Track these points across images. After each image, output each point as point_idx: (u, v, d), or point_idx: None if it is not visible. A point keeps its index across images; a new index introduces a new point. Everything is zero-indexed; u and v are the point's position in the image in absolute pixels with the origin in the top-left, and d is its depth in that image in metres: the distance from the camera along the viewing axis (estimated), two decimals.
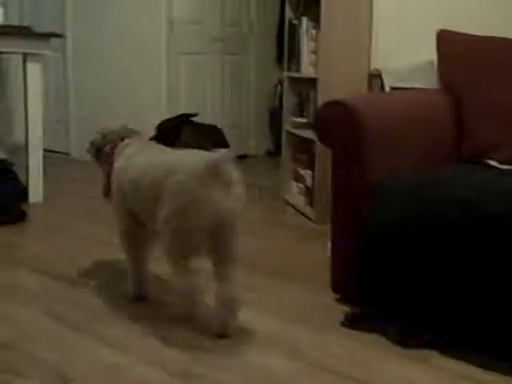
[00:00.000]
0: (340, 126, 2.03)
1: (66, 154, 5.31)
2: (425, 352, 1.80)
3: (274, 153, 5.37)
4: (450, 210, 1.80)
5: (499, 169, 2.28)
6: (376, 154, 2.06)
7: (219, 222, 1.76)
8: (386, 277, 1.98)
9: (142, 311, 2.08)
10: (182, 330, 1.93)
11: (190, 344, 1.85)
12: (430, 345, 1.82)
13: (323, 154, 3.08)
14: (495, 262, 1.71)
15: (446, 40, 2.63)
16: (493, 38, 2.55)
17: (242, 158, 5.28)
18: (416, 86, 2.87)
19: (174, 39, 4.71)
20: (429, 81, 2.84)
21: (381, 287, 1.98)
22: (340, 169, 2.07)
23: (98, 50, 4.95)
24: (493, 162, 2.36)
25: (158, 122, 4.34)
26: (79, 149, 5.14)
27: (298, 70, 3.52)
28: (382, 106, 2.24)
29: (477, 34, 2.57)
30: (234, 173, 1.78)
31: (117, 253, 2.30)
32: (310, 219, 3.32)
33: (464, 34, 2.60)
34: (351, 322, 1.98)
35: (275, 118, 5.27)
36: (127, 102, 4.78)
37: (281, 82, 5.10)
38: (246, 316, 1.98)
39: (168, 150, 2.05)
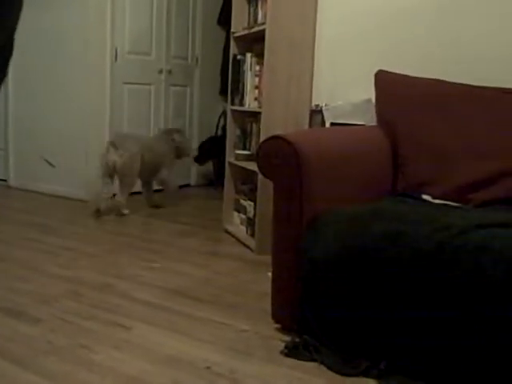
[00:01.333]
0: (281, 160, 2.09)
1: (4, 180, 5.21)
2: (363, 380, 1.86)
3: (215, 183, 5.42)
4: (382, 243, 1.87)
5: (434, 203, 2.39)
6: (316, 187, 2.12)
7: None
8: (324, 307, 2.03)
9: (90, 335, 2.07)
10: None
11: None
12: (366, 373, 1.88)
13: (265, 186, 3.14)
14: (426, 293, 1.79)
15: (383, 80, 2.76)
16: (427, 79, 2.67)
17: (184, 187, 5.31)
18: (355, 122, 2.98)
19: (119, 68, 4.73)
20: (367, 118, 2.95)
21: (320, 317, 2.03)
22: (280, 202, 2.13)
23: (39, 78, 4.90)
24: (426, 197, 2.47)
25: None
26: (18, 177, 5.07)
27: (241, 104, 3.60)
28: (321, 141, 2.32)
29: (413, 75, 2.70)
30: None
31: (61, 283, 2.28)
32: (251, 250, 3.36)
33: (401, 74, 2.73)
34: (291, 351, 2.02)
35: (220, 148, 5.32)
36: (68, 130, 4.73)
37: (224, 114, 5.19)
38: (184, 346, 2.00)
39: None
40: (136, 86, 4.91)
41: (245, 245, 3.47)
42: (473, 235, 1.83)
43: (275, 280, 2.21)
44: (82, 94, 4.64)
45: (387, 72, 2.75)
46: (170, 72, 5.20)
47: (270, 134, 2.83)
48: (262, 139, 3.12)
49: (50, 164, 4.72)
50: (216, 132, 5.61)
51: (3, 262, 2.98)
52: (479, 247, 1.77)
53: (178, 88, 5.34)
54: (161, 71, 5.11)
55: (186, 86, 5.44)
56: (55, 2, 4.73)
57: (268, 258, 2.36)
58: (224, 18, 5.43)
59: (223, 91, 5.35)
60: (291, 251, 2.12)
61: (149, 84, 5.03)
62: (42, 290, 2.57)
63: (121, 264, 3.02)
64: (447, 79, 2.64)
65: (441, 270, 1.78)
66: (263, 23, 3.31)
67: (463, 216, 2.06)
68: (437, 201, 2.42)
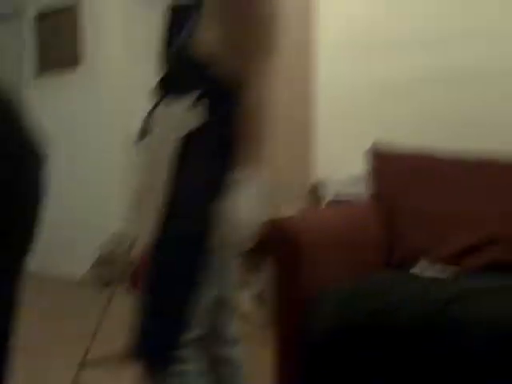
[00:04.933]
0: (280, 242, 2.23)
1: None
2: None
3: None
4: (375, 319, 1.96)
5: (424, 276, 2.43)
6: (314, 266, 2.25)
7: None
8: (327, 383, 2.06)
9: None
10: None
11: None
12: None
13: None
14: (413, 368, 1.84)
15: (376, 154, 2.87)
16: (420, 151, 2.78)
17: None
18: (353, 195, 3.04)
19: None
20: (366, 191, 3.02)
21: None
22: (279, 282, 2.24)
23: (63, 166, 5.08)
24: (422, 264, 2.49)
25: None
26: None
27: None
28: (318, 219, 2.48)
29: (409, 145, 2.82)
30: None
31: None
32: (257, 325, 3.37)
33: (394, 147, 2.83)
34: None
35: None
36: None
37: None
38: None
39: None
40: None
41: (251, 321, 3.48)
42: (456, 308, 1.92)
43: (278, 357, 2.27)
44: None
45: (380, 146, 2.87)
46: None
47: (272, 211, 2.92)
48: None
49: None
50: None
51: None
52: (463, 321, 1.87)
53: None
54: None
55: None
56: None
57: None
58: None
59: None
60: (293, 329, 2.21)
61: None
62: None
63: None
64: (440, 149, 2.75)
65: (427, 346, 1.89)
66: None
67: (450, 287, 2.16)
68: (429, 270, 2.48)
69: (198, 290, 1.44)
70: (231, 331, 1.70)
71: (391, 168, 2.80)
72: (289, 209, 3.16)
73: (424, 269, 2.48)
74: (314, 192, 3.27)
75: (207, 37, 1.33)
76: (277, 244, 2.24)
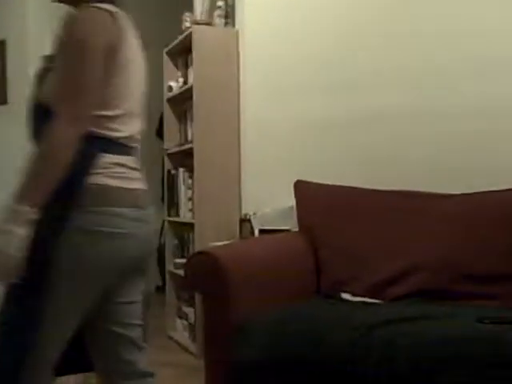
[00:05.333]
0: (206, 274, 2.28)
1: None
2: None
3: (163, 288, 5.53)
4: (301, 345, 2.05)
5: (351, 302, 2.60)
6: (241, 296, 2.29)
7: None
8: None
9: None
10: None
11: None
12: None
13: None
14: None
15: (301, 189, 3.02)
16: (342, 187, 2.94)
17: None
18: (281, 228, 3.21)
19: None
20: (292, 223, 3.19)
21: None
22: (209, 312, 2.30)
23: None
24: (346, 296, 2.67)
25: None
26: None
27: (177, 215, 3.82)
28: (245, 252, 2.52)
29: (331, 182, 2.96)
30: None
31: None
32: (193, 355, 3.48)
33: (317, 183, 2.99)
34: None
35: (162, 255, 5.48)
36: None
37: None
38: None
39: None
40: None
41: (188, 350, 3.59)
42: (380, 332, 2.01)
43: None
44: None
45: (304, 181, 3.01)
46: None
47: (204, 243, 3.05)
48: (196, 248, 3.33)
49: None
50: (160, 238, 5.78)
51: None
52: (385, 344, 1.95)
53: None
54: None
55: None
56: None
57: None
58: (162, 131, 5.75)
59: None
60: (220, 357, 2.27)
61: None
62: None
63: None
64: (360, 186, 2.92)
65: (353, 368, 1.94)
66: (192, 141, 3.59)
67: (375, 313, 2.24)
68: (355, 299, 2.63)
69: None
70: (142, 366, 1.75)
71: (315, 201, 2.92)
72: (219, 242, 3.31)
73: (350, 297, 2.57)
74: (244, 225, 3.43)
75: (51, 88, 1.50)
76: (204, 275, 2.28)
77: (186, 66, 3.90)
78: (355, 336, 2.00)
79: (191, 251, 3.74)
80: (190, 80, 3.72)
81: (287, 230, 3.15)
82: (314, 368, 2.01)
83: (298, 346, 2.06)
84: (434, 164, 2.96)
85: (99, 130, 1.52)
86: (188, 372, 3.21)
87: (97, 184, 1.49)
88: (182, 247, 3.91)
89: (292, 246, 2.83)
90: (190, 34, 3.57)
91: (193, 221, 3.55)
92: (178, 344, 3.76)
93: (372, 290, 2.64)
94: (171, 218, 3.91)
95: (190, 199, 3.68)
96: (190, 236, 3.76)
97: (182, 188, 3.76)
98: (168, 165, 3.99)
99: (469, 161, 2.84)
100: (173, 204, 3.88)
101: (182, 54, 3.94)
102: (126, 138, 1.59)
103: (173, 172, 3.89)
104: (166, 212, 4.01)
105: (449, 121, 2.90)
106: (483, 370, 1.73)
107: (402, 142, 3.06)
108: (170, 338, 3.89)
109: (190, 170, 3.66)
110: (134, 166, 1.64)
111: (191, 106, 3.65)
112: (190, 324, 3.70)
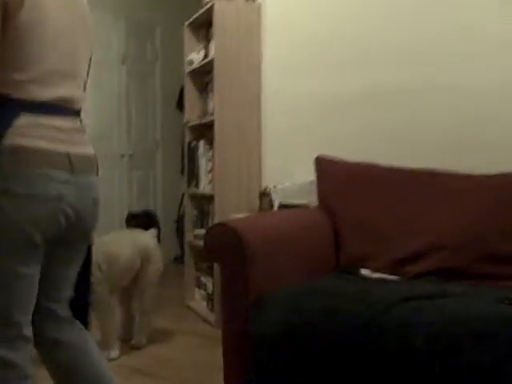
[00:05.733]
0: (225, 245, 2.30)
1: None
2: None
3: (181, 259, 5.60)
4: (319, 319, 2.07)
5: (370, 278, 2.61)
6: (259, 269, 2.31)
7: None
8: (272, 382, 2.21)
9: None
10: None
11: None
12: None
13: None
14: (360, 367, 1.97)
15: (322, 164, 3.01)
16: (362, 163, 2.93)
17: None
18: (301, 202, 3.22)
19: None
20: (312, 198, 3.20)
21: None
22: (226, 283, 2.33)
23: None
24: (365, 272, 2.69)
25: None
26: None
27: (197, 187, 3.85)
28: (264, 225, 2.53)
29: (351, 159, 2.95)
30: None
31: None
32: (211, 324, 3.53)
33: (338, 159, 2.99)
34: None
35: (181, 227, 5.54)
36: None
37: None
38: None
39: None
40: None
41: (206, 320, 3.64)
42: (398, 309, 2.02)
43: (225, 356, 2.37)
44: None
45: (325, 157, 3.01)
46: (131, 156, 5.46)
47: (224, 215, 3.07)
48: (216, 220, 3.36)
49: None
50: (179, 210, 5.84)
51: None
52: (403, 321, 1.97)
53: (140, 171, 5.60)
54: (123, 156, 5.37)
55: (148, 168, 5.70)
56: None
57: None
58: (182, 104, 5.76)
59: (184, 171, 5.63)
60: (238, 329, 2.30)
61: (112, 168, 5.28)
62: None
63: None
64: (379, 162, 2.91)
65: (370, 344, 1.96)
66: (213, 113, 3.60)
67: (394, 290, 2.25)
68: (374, 275, 2.64)
69: None
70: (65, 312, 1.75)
71: (336, 177, 2.92)
72: (239, 214, 3.34)
73: (369, 273, 2.58)
74: (264, 199, 3.45)
75: None
76: (223, 245, 2.29)
77: (207, 39, 3.88)
78: (373, 312, 2.00)
79: (211, 223, 3.77)
80: (211, 53, 3.72)
81: (307, 205, 3.16)
82: (330, 343, 2.02)
83: (314, 320, 2.07)
84: (454, 139, 2.95)
85: (15, 93, 1.49)
86: (206, 342, 3.26)
87: (13, 145, 1.47)
88: (202, 219, 3.94)
89: (311, 221, 2.83)
90: (212, 7, 3.56)
91: (212, 193, 3.57)
92: (197, 314, 3.81)
93: (391, 267, 2.64)
94: (191, 190, 3.94)
95: (210, 171, 3.70)
96: (210, 208, 3.79)
97: (202, 160, 3.77)
98: (188, 137, 4.01)
99: (490, 135, 2.82)
100: (193, 176, 3.90)
101: (203, 27, 3.92)
102: (53, 99, 1.56)
103: (193, 144, 3.91)
104: (185, 184, 4.04)
105: (468, 95, 2.89)
106: (501, 350, 1.73)
107: (423, 117, 3.05)
108: (189, 307, 3.94)
109: (210, 142, 3.67)
110: (66, 127, 1.61)
111: (212, 79, 3.65)
112: (208, 294, 3.75)
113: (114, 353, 2.99)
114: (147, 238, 3.24)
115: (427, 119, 3.04)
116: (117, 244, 3.08)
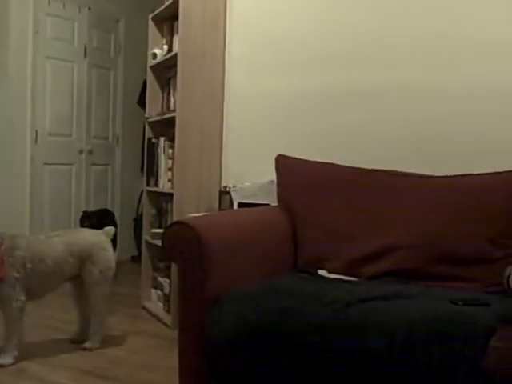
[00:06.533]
0: (182, 244, 2.25)
1: None
2: None
3: (138, 258, 5.51)
4: (274, 319, 2.04)
5: (327, 278, 2.59)
6: (217, 268, 2.27)
7: None
8: (230, 381, 2.17)
9: None
10: None
11: None
12: None
13: None
14: (315, 367, 1.95)
15: (282, 163, 2.99)
16: (323, 163, 2.92)
17: None
18: (260, 202, 3.19)
19: (39, 150, 4.85)
20: (272, 198, 3.17)
21: None
22: (183, 282, 2.27)
23: None
24: (323, 272, 2.67)
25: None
26: None
27: (156, 185, 3.77)
28: (222, 224, 2.49)
29: (312, 159, 2.93)
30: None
31: None
32: (167, 326, 3.47)
33: (298, 159, 2.97)
34: None
35: (139, 225, 5.45)
36: None
37: None
38: None
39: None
40: (57, 166, 5.02)
41: (162, 321, 3.57)
42: (355, 310, 2.01)
43: (181, 357, 2.33)
44: (1, 177, 4.71)
45: (285, 156, 2.99)
46: (90, 152, 5.35)
47: (183, 214, 3.02)
48: (175, 219, 3.29)
49: None
50: (137, 208, 5.74)
51: None
52: (360, 321, 1.95)
53: (98, 167, 5.49)
54: (81, 151, 5.26)
55: (107, 164, 5.59)
56: None
57: None
58: (143, 99, 5.66)
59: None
60: (194, 329, 2.25)
61: (70, 164, 5.16)
62: None
63: (35, 346, 3.06)
64: (339, 163, 2.90)
65: (326, 344, 1.95)
66: (174, 110, 3.54)
67: (351, 290, 2.25)
68: (332, 275, 2.62)
69: None
70: None
71: (296, 176, 2.90)
72: (198, 213, 3.28)
73: (327, 274, 2.59)
74: (223, 198, 3.40)
75: None
76: (181, 244, 2.25)
77: (172, 33, 3.82)
78: (329, 312, 1.99)
79: (169, 222, 3.70)
80: (175, 48, 3.65)
81: (266, 205, 3.13)
82: (287, 344, 1.99)
83: (271, 321, 2.04)
84: (418, 145, 2.96)
85: None
86: (161, 343, 3.20)
87: None
88: (160, 218, 3.87)
89: (271, 220, 2.80)
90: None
91: (172, 191, 3.51)
92: (152, 314, 3.74)
93: (349, 267, 2.64)
94: (150, 188, 3.87)
95: (170, 169, 3.63)
96: (169, 206, 3.73)
97: (162, 157, 3.70)
98: (149, 133, 3.93)
99: (454, 143, 2.85)
100: (152, 173, 3.83)
101: (168, 20, 3.86)
102: None
103: (153, 141, 3.84)
104: (145, 181, 3.96)
105: (428, 95, 2.93)
106: (455, 349, 1.73)
107: (386, 120, 3.07)
108: (145, 308, 3.87)
109: (171, 139, 3.61)
110: None
111: (175, 75, 3.59)
112: (164, 295, 3.68)
113: (10, 359, 2.83)
114: (92, 237, 3.10)
115: (388, 120, 3.06)
116: (49, 243, 2.96)
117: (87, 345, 3.06)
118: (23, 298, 2.83)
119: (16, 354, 2.84)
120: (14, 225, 4.59)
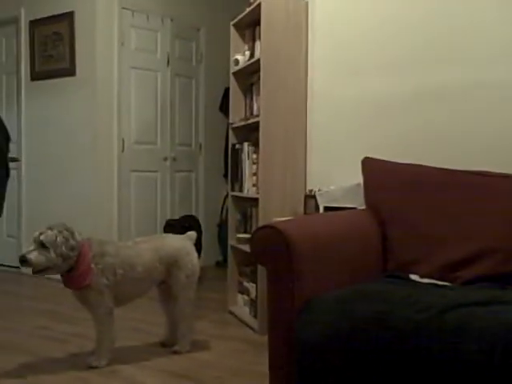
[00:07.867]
0: (272, 248, 2.25)
1: (17, 267, 5.38)
2: None
3: (223, 263, 5.56)
4: (367, 325, 1.99)
5: (420, 283, 2.52)
6: (306, 272, 2.25)
7: None
8: None
9: None
10: None
11: None
12: None
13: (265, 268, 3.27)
14: (410, 374, 1.89)
15: (369, 166, 2.94)
16: (411, 165, 2.85)
17: None
18: (347, 206, 3.15)
19: (126, 158, 4.99)
20: (358, 201, 3.12)
21: None
22: (273, 286, 2.27)
23: (51, 170, 5.17)
24: (414, 277, 2.60)
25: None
26: None
27: (241, 190, 3.79)
28: (311, 227, 2.47)
29: (398, 161, 2.87)
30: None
31: (69, 370, 2.38)
32: (254, 331, 3.47)
33: (385, 161, 2.91)
34: None
35: (223, 231, 5.51)
36: (79, 219, 4.94)
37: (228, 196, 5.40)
38: None
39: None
40: (142, 173, 5.16)
41: (248, 326, 3.58)
42: (451, 315, 1.94)
43: (271, 361, 2.32)
44: (91, 184, 4.88)
45: (373, 159, 2.93)
46: (174, 159, 5.46)
47: (268, 219, 3.02)
48: (260, 224, 3.30)
49: None
50: (221, 213, 5.80)
51: (12, 350, 3.10)
52: (457, 328, 1.88)
53: (182, 174, 5.59)
54: (165, 158, 5.38)
55: (190, 171, 5.69)
56: (64, 95, 5.05)
57: None
58: (225, 106, 5.73)
59: (227, 174, 5.59)
60: (285, 334, 2.24)
61: (155, 171, 5.29)
62: (50, 378, 2.69)
63: (127, 349, 3.13)
64: (428, 164, 2.82)
65: (421, 351, 1.89)
66: (258, 115, 3.54)
67: (446, 295, 2.18)
68: (424, 280, 2.55)
69: None
70: None
71: (384, 179, 2.84)
72: (283, 218, 3.27)
73: (419, 279, 2.54)
74: (308, 202, 3.37)
75: None
76: (270, 248, 2.24)
77: (253, 39, 3.84)
78: (424, 318, 1.93)
79: (254, 227, 3.71)
80: (257, 53, 3.67)
81: (353, 208, 3.08)
82: (380, 350, 1.95)
83: (364, 326, 2.00)
84: (503, 139, 2.85)
85: None
86: (249, 347, 3.20)
87: None
88: (245, 222, 3.88)
89: (359, 224, 2.76)
90: (259, 5, 3.51)
91: (257, 196, 3.51)
92: (239, 319, 3.75)
93: (442, 272, 2.56)
94: (235, 193, 3.89)
95: (255, 174, 3.64)
96: (254, 211, 3.74)
97: (246, 163, 3.72)
98: (232, 139, 3.96)
99: None
100: (236, 179, 3.85)
101: (250, 26, 3.88)
102: None
103: (237, 146, 3.86)
104: (229, 187, 3.99)
105: None
106: None
107: (470, 117, 2.98)
108: (231, 312, 3.89)
109: (255, 144, 3.62)
110: None
111: (257, 80, 3.60)
112: (251, 299, 3.69)
113: (103, 361, 2.91)
114: (177, 243, 3.13)
115: (475, 119, 2.97)
116: (137, 250, 3.00)
117: (177, 348, 3.10)
118: (111, 304, 2.90)
119: (109, 356, 2.91)
120: (102, 231, 4.74)
